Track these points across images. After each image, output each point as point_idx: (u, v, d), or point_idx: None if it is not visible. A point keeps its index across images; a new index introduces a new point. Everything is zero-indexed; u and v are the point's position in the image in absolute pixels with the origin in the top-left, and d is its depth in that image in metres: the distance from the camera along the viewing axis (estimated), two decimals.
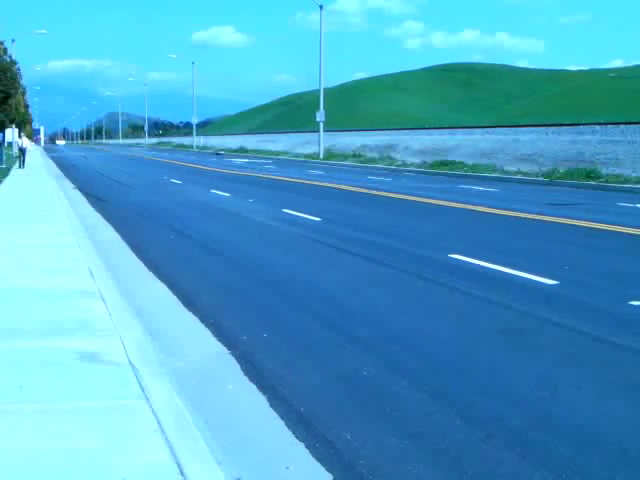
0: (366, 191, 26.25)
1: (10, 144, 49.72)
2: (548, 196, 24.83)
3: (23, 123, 71.08)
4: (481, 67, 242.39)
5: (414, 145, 51.97)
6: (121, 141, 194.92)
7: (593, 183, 29.26)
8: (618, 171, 31.00)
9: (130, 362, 5.95)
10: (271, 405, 5.60)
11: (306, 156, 59.65)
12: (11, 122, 47.64)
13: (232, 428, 5.20)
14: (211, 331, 7.68)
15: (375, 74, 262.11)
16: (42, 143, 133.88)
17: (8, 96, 42.75)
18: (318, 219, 17.31)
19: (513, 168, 36.28)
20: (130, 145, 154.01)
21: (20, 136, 46.84)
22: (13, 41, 53.72)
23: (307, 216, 17.74)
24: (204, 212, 19.85)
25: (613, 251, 12.93)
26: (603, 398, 5.72)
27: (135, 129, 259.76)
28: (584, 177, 30.42)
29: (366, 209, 20.92)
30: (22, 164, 40.82)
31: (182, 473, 4.06)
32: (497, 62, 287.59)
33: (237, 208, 20.70)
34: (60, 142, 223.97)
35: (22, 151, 41.86)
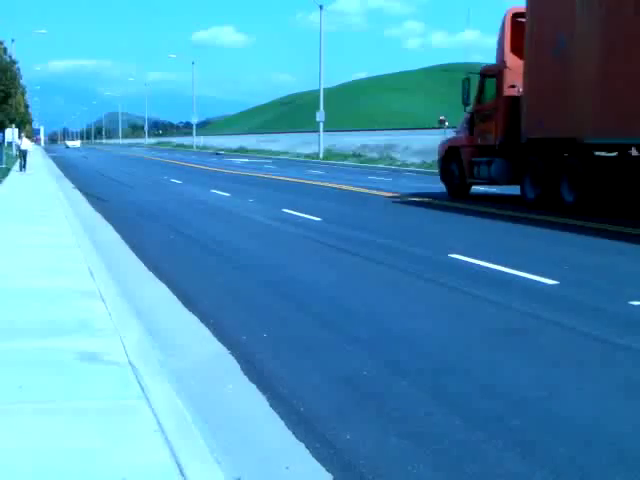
0: (366, 191, 26.25)
1: (10, 144, 49.57)
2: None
3: (23, 123, 70.88)
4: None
5: (414, 145, 51.95)
6: (121, 141, 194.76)
7: None
8: None
9: (130, 362, 5.95)
10: (271, 405, 5.60)
11: (306, 156, 59.67)
12: (11, 122, 47.55)
13: (232, 428, 5.20)
14: (211, 331, 7.68)
15: (375, 74, 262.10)
16: (42, 143, 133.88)
17: (8, 96, 42.59)
18: (318, 219, 17.31)
19: None
20: (130, 145, 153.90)
21: (20, 136, 45.14)
22: (13, 41, 53.82)
23: (307, 216, 17.74)
24: (204, 212, 19.85)
25: (613, 251, 12.93)
26: (603, 398, 5.72)
27: (135, 129, 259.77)
28: None
29: (366, 209, 20.92)
30: (23, 167, 37.24)
31: (182, 473, 4.06)
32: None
33: (237, 208, 20.70)
34: (73, 143, 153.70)
35: (22, 153, 37.97)
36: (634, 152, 18.50)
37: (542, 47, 18.63)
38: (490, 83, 21.35)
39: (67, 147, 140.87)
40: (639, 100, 15.13)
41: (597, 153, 18.46)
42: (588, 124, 16.93)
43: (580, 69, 17.03)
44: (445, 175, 23.55)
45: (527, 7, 19.47)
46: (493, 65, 21.66)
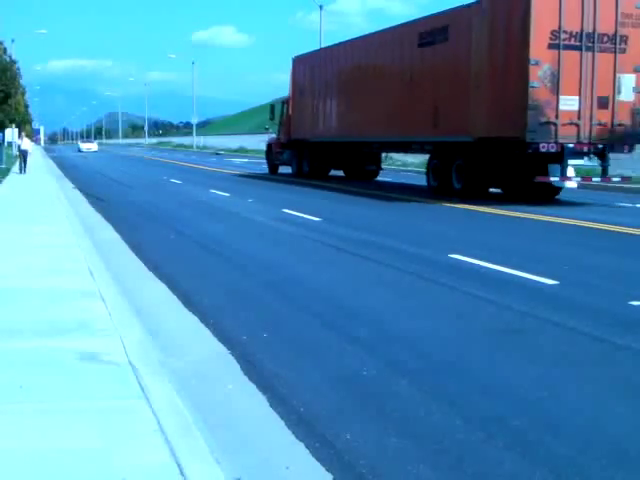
0: (366, 191, 26.25)
1: (10, 144, 49.42)
2: None
3: (23, 123, 70.79)
4: None
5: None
6: (121, 141, 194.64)
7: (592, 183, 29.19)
8: (618, 171, 30.97)
9: (130, 362, 5.96)
10: (271, 405, 5.60)
11: None
12: (11, 122, 47.49)
13: (232, 428, 5.20)
14: (211, 331, 7.68)
15: None
16: (42, 143, 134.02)
17: (8, 96, 42.51)
18: (318, 219, 17.31)
19: None
20: (130, 145, 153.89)
21: (20, 136, 43.22)
22: (13, 41, 53.83)
23: (307, 216, 17.74)
24: (204, 212, 19.85)
25: (613, 251, 12.93)
26: (603, 398, 5.72)
27: (135, 129, 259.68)
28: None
29: (366, 209, 20.93)
30: (23, 169, 35.26)
31: (182, 473, 4.06)
32: None
33: (237, 208, 20.70)
34: (88, 146, 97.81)
35: (22, 154, 35.92)
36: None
37: (296, 92, 34.88)
38: (285, 107, 36.36)
39: (80, 151, 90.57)
40: (311, 124, 32.66)
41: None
42: (309, 132, 33.11)
43: (306, 107, 33.48)
44: (267, 160, 39.54)
45: (291, 69, 35.53)
46: (286, 97, 36.74)
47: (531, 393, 5.78)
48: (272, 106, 37.98)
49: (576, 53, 19.22)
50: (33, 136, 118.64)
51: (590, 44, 19.20)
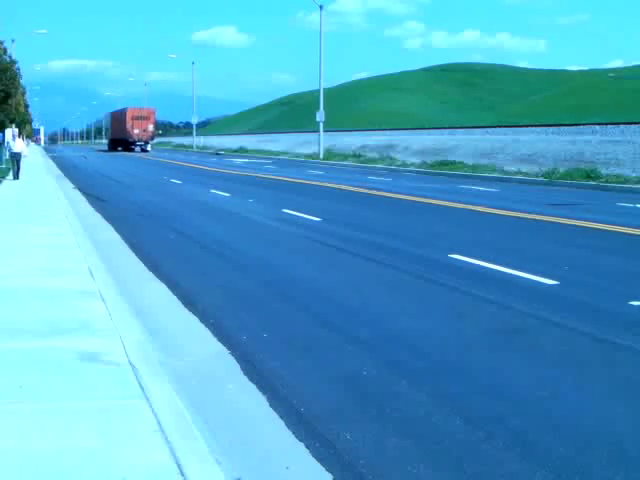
0: (366, 191, 26.26)
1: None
2: (548, 196, 24.85)
3: (23, 123, 70.65)
4: (481, 67, 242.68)
5: (414, 145, 51.99)
6: None
7: (593, 183, 29.25)
8: (618, 171, 31.00)
9: (130, 362, 5.96)
10: (271, 405, 5.60)
11: (306, 156, 59.61)
12: (11, 122, 47.38)
13: (232, 428, 5.20)
14: (211, 331, 7.68)
15: (375, 74, 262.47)
16: (42, 143, 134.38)
17: (8, 96, 42.33)
18: (318, 219, 17.31)
19: (513, 168, 36.27)
20: None
21: (14, 136, 38.61)
22: (13, 41, 53.76)
23: (307, 216, 17.74)
24: (204, 212, 19.86)
25: (613, 251, 12.93)
26: (603, 398, 5.73)
27: None
28: (584, 177, 30.40)
29: (366, 209, 20.93)
30: (16, 174, 30.00)
31: (182, 473, 4.06)
32: (497, 62, 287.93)
33: (237, 208, 20.70)
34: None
35: (15, 157, 30.72)
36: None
37: (111, 123, 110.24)
38: (109, 128, 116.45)
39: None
40: (113, 133, 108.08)
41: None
42: (113, 136, 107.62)
43: (112, 128, 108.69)
44: (108, 146, 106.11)
45: (110, 115, 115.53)
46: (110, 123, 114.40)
47: (531, 393, 5.78)
48: (107, 128, 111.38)
49: (139, 121, 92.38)
50: (33, 136, 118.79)
51: (137, 119, 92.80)
